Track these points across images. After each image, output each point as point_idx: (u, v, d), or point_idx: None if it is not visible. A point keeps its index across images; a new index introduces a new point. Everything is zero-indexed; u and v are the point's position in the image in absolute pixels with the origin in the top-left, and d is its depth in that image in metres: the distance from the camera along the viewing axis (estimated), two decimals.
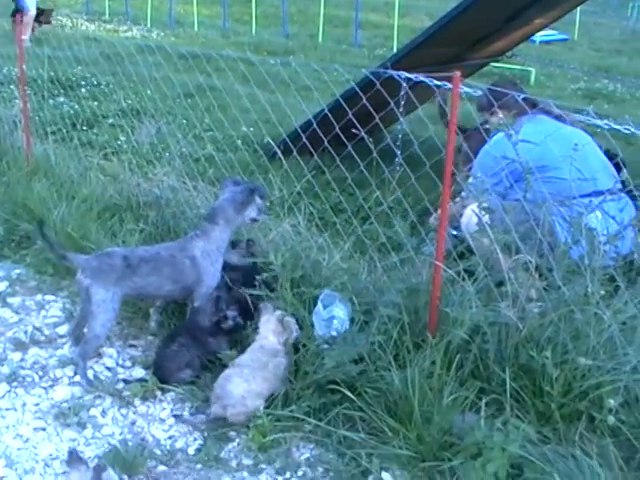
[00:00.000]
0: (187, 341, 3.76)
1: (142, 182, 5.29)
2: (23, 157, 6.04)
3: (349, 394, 3.39)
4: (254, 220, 4.08)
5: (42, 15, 13.91)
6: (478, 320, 3.37)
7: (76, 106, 8.46)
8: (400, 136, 5.22)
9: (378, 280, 3.90)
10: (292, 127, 5.90)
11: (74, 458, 2.85)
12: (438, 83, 3.87)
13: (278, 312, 3.66)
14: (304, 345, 3.60)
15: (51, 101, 8.51)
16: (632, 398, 3.21)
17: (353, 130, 4.23)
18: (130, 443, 3.35)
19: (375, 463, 3.19)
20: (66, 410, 3.55)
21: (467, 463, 3.05)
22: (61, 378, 3.83)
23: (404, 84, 4.55)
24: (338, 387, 3.43)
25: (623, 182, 3.64)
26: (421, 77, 3.92)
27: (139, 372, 3.87)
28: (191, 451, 3.34)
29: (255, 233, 4.40)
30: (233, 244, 4.20)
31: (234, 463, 3.27)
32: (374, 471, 3.17)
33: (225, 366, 3.58)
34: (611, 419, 3.03)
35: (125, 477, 3.15)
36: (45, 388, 3.75)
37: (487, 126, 4.75)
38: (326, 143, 4.47)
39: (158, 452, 3.33)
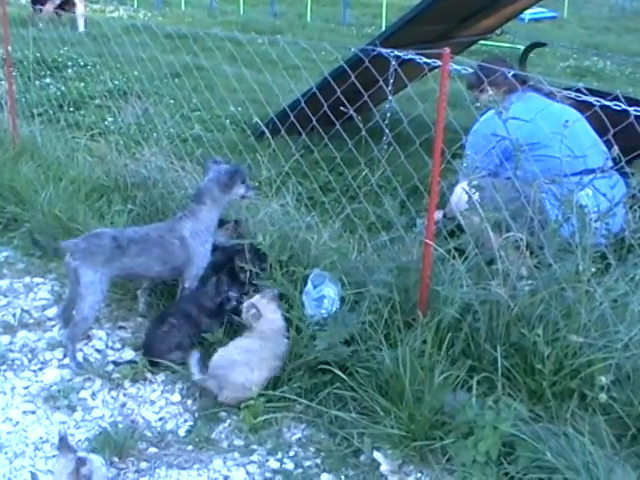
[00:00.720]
0: (178, 322, 3.74)
1: (130, 163, 5.25)
2: (9, 139, 6.00)
3: (340, 374, 3.38)
4: (243, 197, 4.06)
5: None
6: (469, 298, 3.35)
7: (62, 87, 8.39)
8: (389, 114, 5.18)
9: (368, 259, 3.88)
10: (280, 106, 5.86)
11: (63, 445, 2.83)
12: (427, 61, 3.83)
13: (273, 290, 3.65)
14: (296, 326, 3.58)
15: (37, 82, 8.44)
16: (623, 375, 3.20)
17: (342, 109, 4.20)
18: (120, 425, 3.34)
19: (367, 442, 3.19)
20: (56, 393, 3.54)
21: (459, 442, 3.05)
22: (50, 361, 3.81)
23: (393, 62, 4.50)
24: (329, 367, 3.42)
25: (614, 159, 3.62)
26: (410, 54, 3.88)
27: (129, 354, 3.86)
28: (182, 432, 3.34)
29: (243, 214, 4.36)
30: (220, 224, 4.16)
31: (225, 444, 3.27)
32: (366, 450, 3.17)
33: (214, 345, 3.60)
34: (603, 397, 3.02)
35: (116, 459, 3.14)
36: (34, 371, 3.74)
37: (477, 104, 4.72)
38: (314, 122, 4.43)
39: (149, 434, 3.32)
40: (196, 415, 3.43)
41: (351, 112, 4.06)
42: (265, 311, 3.56)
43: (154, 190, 4.86)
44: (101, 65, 8.36)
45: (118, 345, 3.94)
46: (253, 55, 5.32)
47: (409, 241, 3.78)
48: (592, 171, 3.83)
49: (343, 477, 3.09)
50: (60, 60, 9.57)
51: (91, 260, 3.70)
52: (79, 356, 3.80)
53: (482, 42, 10.02)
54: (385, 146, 4.70)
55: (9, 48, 5.91)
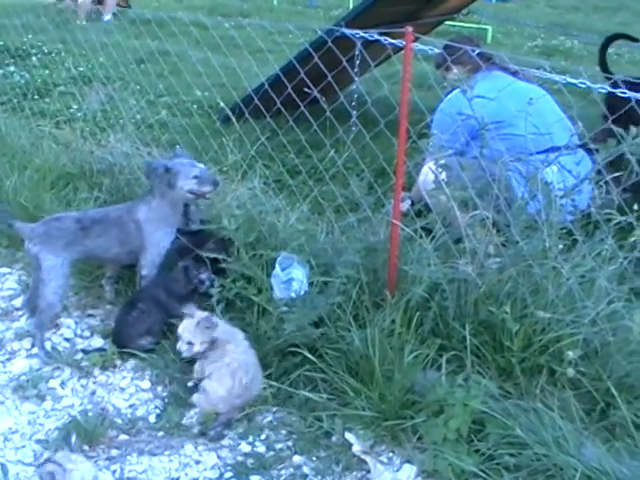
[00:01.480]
0: (148, 307, 3.72)
1: (95, 150, 5.21)
2: None
3: (310, 356, 3.38)
4: (197, 194, 3.91)
5: None
6: (437, 277, 3.36)
7: (27, 75, 8.29)
8: (356, 96, 5.18)
9: (336, 241, 3.87)
10: (247, 91, 5.83)
11: None
12: (393, 41, 3.82)
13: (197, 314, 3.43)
14: (264, 309, 3.57)
15: (1, 71, 8.35)
16: (592, 350, 3.22)
17: (306, 90, 4.18)
18: (90, 413, 3.32)
19: (338, 424, 3.19)
20: (24, 383, 3.51)
21: (429, 420, 3.07)
22: (18, 351, 3.78)
23: (358, 43, 4.49)
24: (299, 350, 3.42)
25: (580, 136, 3.64)
26: (374, 35, 3.87)
27: (98, 342, 3.84)
28: (152, 419, 3.33)
29: (211, 198, 4.33)
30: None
31: (196, 429, 3.26)
32: (337, 432, 3.17)
33: None
34: (570, 371, 3.04)
35: (86, 448, 3.12)
36: (2, 362, 3.71)
37: (445, 84, 4.72)
38: (279, 105, 4.41)
39: (119, 421, 3.30)
40: (166, 401, 3.42)
41: (315, 93, 4.04)
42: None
43: (120, 176, 4.82)
44: (66, 52, 8.27)
45: (87, 333, 3.92)
46: (217, 40, 5.27)
47: (376, 222, 3.78)
48: (558, 149, 3.85)
49: (315, 458, 3.09)
50: (24, 48, 9.44)
51: (52, 244, 3.68)
52: (47, 345, 3.77)
53: (450, 23, 10.01)
54: (353, 128, 4.69)
55: None
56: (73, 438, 3.03)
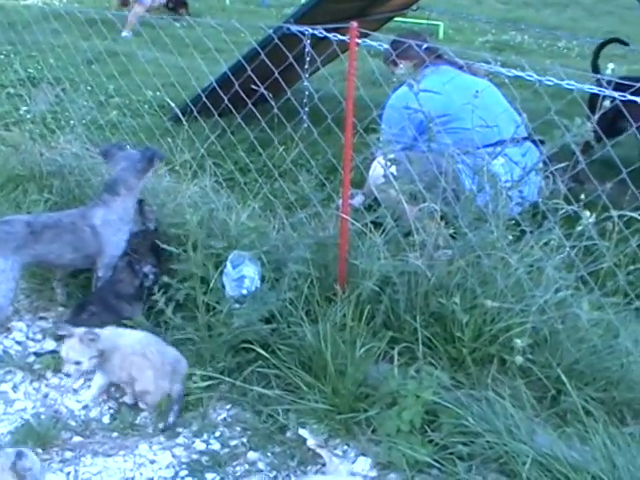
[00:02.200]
0: (98, 309, 3.69)
1: (45, 151, 5.15)
2: None
3: (262, 352, 3.39)
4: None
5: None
6: (387, 271, 3.38)
7: None
8: (307, 93, 5.18)
9: (287, 237, 3.88)
10: (197, 90, 5.82)
11: None
12: (341, 37, 3.83)
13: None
14: (214, 307, 3.56)
15: None
16: (541, 339, 3.27)
17: (253, 87, 4.18)
18: (43, 416, 3.28)
19: (292, 419, 3.20)
20: None
21: (383, 412, 3.09)
22: None
23: (306, 41, 4.50)
24: (251, 346, 3.42)
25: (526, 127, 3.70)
26: (320, 31, 3.88)
27: (50, 344, 3.79)
28: (106, 420, 3.30)
29: (161, 198, 4.32)
30: None
31: (150, 429, 3.24)
32: (291, 427, 3.18)
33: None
34: (519, 359, 3.07)
35: (39, 451, 3.09)
36: None
37: (394, 80, 4.75)
38: (228, 104, 4.41)
39: (73, 423, 3.27)
40: (120, 402, 3.40)
41: (262, 91, 4.05)
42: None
43: (70, 178, 4.78)
44: (14, 54, 8.17)
45: (39, 336, 3.87)
46: (165, 39, 5.26)
47: (326, 217, 3.80)
48: (505, 141, 3.89)
49: (270, 454, 3.09)
50: None
51: (1, 247, 3.63)
52: None
53: (402, 19, 10.05)
54: (305, 124, 4.70)
55: None
56: None
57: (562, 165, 3.43)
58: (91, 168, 4.77)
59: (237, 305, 3.51)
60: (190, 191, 4.37)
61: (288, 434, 3.18)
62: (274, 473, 3.01)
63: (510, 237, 3.40)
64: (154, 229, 3.97)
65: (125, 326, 3.63)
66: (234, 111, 4.47)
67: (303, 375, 3.28)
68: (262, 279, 3.65)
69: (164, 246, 3.71)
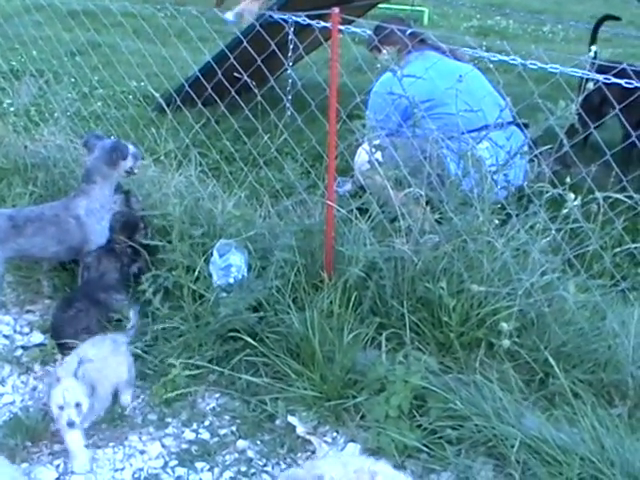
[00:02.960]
0: (85, 305, 3.67)
1: (29, 144, 5.13)
2: None
3: (250, 340, 3.39)
4: (130, 172, 3.99)
5: None
6: (373, 257, 3.39)
7: None
8: (290, 81, 5.17)
9: (273, 225, 3.88)
10: (181, 80, 5.80)
11: None
12: (325, 25, 3.82)
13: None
14: (201, 296, 3.56)
15: None
16: (528, 322, 3.28)
17: (236, 75, 4.17)
18: (32, 409, 3.27)
19: (281, 406, 3.20)
20: None
21: (371, 398, 3.10)
22: None
23: (289, 28, 4.49)
24: (239, 334, 3.42)
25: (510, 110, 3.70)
26: (306, 19, 3.87)
27: (38, 337, 3.78)
28: None
29: (147, 188, 4.31)
30: None
31: (139, 419, 3.24)
32: (280, 415, 3.18)
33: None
34: (506, 342, 3.08)
35: (29, 444, 3.09)
36: None
37: (378, 66, 4.74)
38: (211, 93, 4.39)
39: None
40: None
41: (245, 78, 4.03)
42: None
43: (55, 170, 4.75)
44: None
45: (26, 329, 3.86)
46: (148, 30, 5.24)
47: (312, 204, 3.80)
48: (489, 125, 3.89)
49: (259, 442, 3.10)
50: None
51: None
52: None
53: (386, 6, 10.03)
54: (289, 112, 4.70)
55: None
56: None
57: (546, 148, 3.43)
58: (75, 160, 4.75)
59: (224, 294, 3.51)
60: (175, 181, 4.36)
61: (277, 422, 3.18)
62: (264, 461, 3.01)
63: (496, 221, 3.40)
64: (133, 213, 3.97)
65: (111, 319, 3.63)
66: (218, 100, 4.46)
67: (291, 363, 3.28)
68: (249, 267, 3.65)
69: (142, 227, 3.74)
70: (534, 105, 3.31)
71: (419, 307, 3.36)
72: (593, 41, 6.01)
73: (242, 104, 4.22)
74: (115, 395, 3.28)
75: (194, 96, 4.65)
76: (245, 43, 4.15)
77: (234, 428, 3.18)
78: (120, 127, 5.24)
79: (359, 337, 3.29)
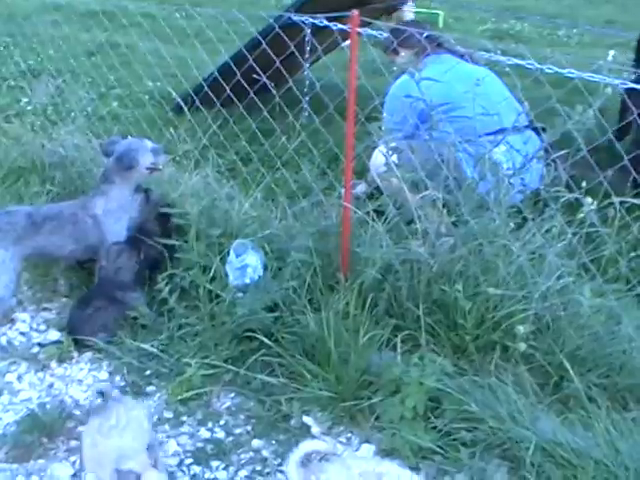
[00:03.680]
0: (103, 303, 3.70)
1: (46, 143, 5.17)
2: None
3: (266, 341, 3.41)
4: (153, 168, 3.97)
5: None
6: (389, 259, 3.40)
7: None
8: (308, 83, 5.19)
9: (289, 226, 3.90)
10: (198, 80, 5.82)
11: None
12: (343, 27, 3.83)
13: None
14: (217, 296, 3.58)
15: None
16: (544, 325, 3.28)
17: (255, 77, 4.18)
18: (48, 406, 3.30)
19: (296, 407, 3.22)
20: None
21: (386, 400, 3.11)
22: None
23: (307, 30, 4.51)
24: (255, 334, 3.44)
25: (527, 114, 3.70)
26: (324, 21, 3.89)
27: (54, 335, 3.80)
28: None
29: (164, 187, 4.33)
30: None
31: (155, 418, 3.25)
32: (295, 415, 3.20)
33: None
34: (522, 345, 3.09)
35: (45, 440, 3.11)
36: None
37: (394, 69, 4.75)
38: (230, 93, 4.41)
39: (77, 412, 3.29)
40: (124, 391, 3.41)
41: (264, 80, 4.05)
42: None
43: (72, 169, 4.79)
44: (14, 46, 8.17)
45: (43, 327, 3.89)
46: (167, 30, 5.25)
47: (328, 206, 3.81)
48: (506, 129, 3.90)
49: (274, 442, 3.11)
50: None
51: (1, 238, 3.64)
52: (3, 340, 3.75)
53: None
54: (306, 113, 4.71)
55: None
56: None
57: (563, 152, 3.43)
58: (92, 159, 4.78)
59: (240, 294, 3.53)
60: (192, 181, 4.39)
61: (292, 422, 3.19)
62: (278, 460, 3.01)
63: (512, 225, 3.41)
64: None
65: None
66: (236, 101, 4.48)
67: (306, 363, 3.29)
68: (265, 268, 3.67)
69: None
70: (550, 109, 3.32)
71: (435, 309, 3.36)
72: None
73: (260, 105, 4.24)
74: None
75: (212, 96, 4.67)
76: (264, 45, 4.16)
77: (249, 427, 3.19)
78: (137, 127, 5.26)
79: (374, 338, 3.30)
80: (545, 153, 3.60)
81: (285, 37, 4.17)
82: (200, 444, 3.12)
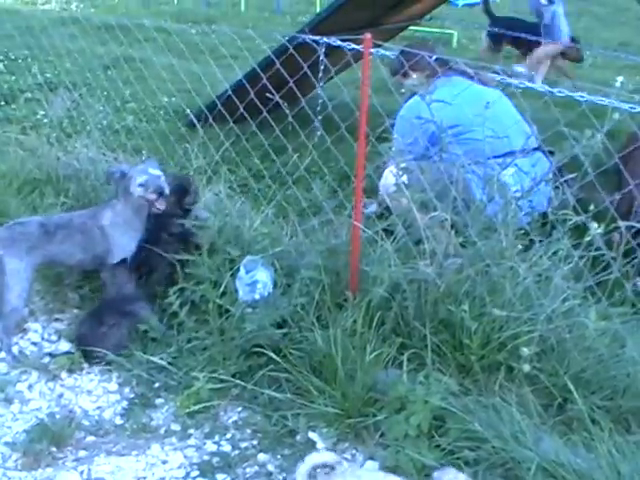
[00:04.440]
0: (116, 320, 3.73)
1: (62, 155, 5.23)
2: None
3: (274, 356, 3.44)
4: (153, 200, 3.87)
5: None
6: (397, 278, 3.43)
7: None
8: (320, 101, 5.23)
9: (300, 243, 3.94)
10: (212, 97, 5.89)
11: None
12: (355, 47, 3.88)
13: None
14: (227, 310, 3.62)
15: None
16: (548, 347, 3.31)
17: (268, 95, 4.24)
18: (58, 416, 3.34)
19: (302, 422, 3.25)
20: None
21: (391, 417, 3.13)
22: None
23: (320, 49, 4.56)
24: (263, 350, 3.48)
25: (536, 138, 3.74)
26: (334, 41, 3.94)
27: (65, 345, 3.85)
28: (119, 420, 3.36)
29: None
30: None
31: (162, 430, 3.30)
32: (301, 430, 3.23)
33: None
34: (526, 367, 3.11)
35: (54, 449, 3.15)
36: None
37: (402, 90, 4.78)
38: (242, 111, 4.47)
39: (86, 423, 3.33)
40: (133, 402, 3.46)
41: (277, 99, 4.10)
42: None
43: (86, 182, 4.85)
44: (32, 58, 8.27)
45: (54, 337, 3.93)
46: (182, 46, 5.32)
47: (338, 224, 3.85)
48: (515, 151, 3.94)
49: (279, 456, 3.14)
50: None
51: (15, 248, 3.69)
52: (15, 349, 3.78)
53: (415, 28, 10.08)
54: (318, 132, 4.76)
55: None
56: None
57: (572, 176, 3.47)
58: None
59: (249, 309, 3.57)
60: (204, 197, 4.43)
61: (298, 437, 3.23)
62: (283, 475, 3.05)
63: (519, 246, 3.44)
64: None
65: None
66: (249, 118, 4.53)
67: (313, 379, 3.32)
68: (274, 284, 3.71)
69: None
70: (559, 132, 3.36)
71: (441, 329, 3.39)
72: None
73: (272, 123, 4.30)
74: None
75: (225, 113, 4.73)
76: (278, 64, 4.22)
77: (255, 442, 3.23)
78: (151, 141, 5.32)
79: (381, 356, 3.33)
80: (553, 176, 3.63)
81: (298, 56, 4.22)
82: (206, 457, 3.15)
